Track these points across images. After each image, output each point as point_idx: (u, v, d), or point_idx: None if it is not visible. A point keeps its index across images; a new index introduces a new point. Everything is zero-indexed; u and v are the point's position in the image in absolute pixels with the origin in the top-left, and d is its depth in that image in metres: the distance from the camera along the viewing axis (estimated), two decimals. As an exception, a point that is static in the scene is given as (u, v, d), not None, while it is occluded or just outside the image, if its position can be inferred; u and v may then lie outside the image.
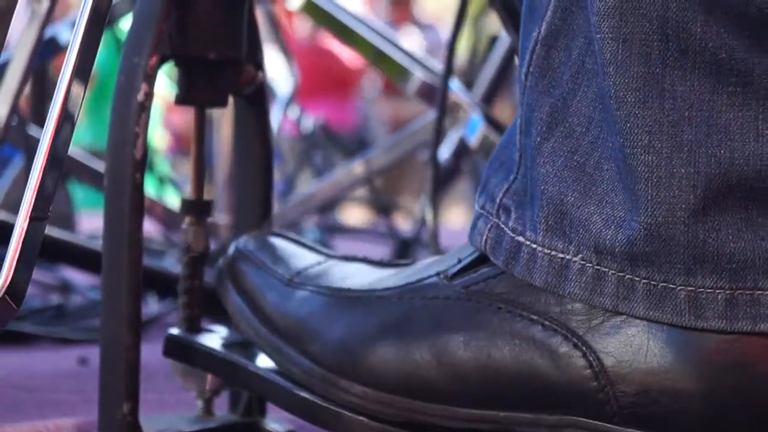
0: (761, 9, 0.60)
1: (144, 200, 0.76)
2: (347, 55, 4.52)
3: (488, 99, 1.31)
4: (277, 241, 0.76)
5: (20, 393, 1.06)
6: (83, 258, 1.24)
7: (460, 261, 0.68)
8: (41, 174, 0.58)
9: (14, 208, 1.41)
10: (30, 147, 1.37)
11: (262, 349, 0.73)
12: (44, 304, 1.49)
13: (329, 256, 0.75)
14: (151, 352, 0.79)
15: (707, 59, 0.61)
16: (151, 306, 1.37)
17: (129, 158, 0.75)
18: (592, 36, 0.63)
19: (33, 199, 0.57)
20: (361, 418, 0.67)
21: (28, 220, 0.57)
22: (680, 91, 0.62)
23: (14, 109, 1.12)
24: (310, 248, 0.76)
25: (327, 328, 0.69)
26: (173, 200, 1.84)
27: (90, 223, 1.88)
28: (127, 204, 0.75)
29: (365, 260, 0.74)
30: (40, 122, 1.49)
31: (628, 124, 0.63)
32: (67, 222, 1.68)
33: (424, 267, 0.70)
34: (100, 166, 1.51)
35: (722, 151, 0.62)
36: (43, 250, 0.68)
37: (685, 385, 0.62)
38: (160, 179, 1.76)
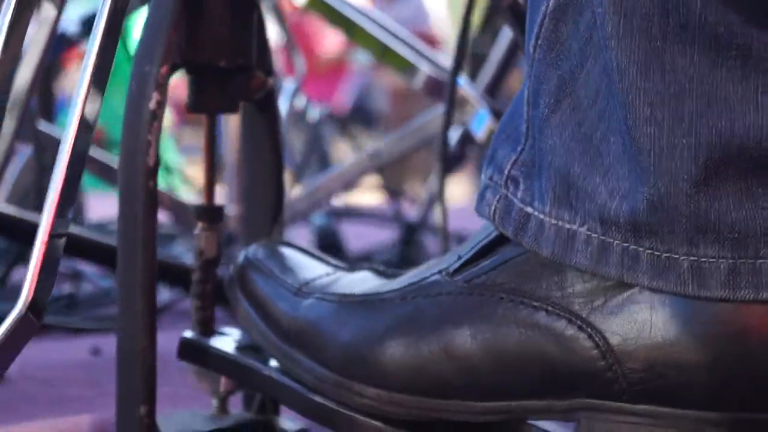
0: None
1: (157, 206, 0.78)
2: (329, 35, 4.52)
3: (492, 91, 1.33)
4: (286, 251, 0.78)
5: (34, 386, 1.08)
6: (94, 251, 1.26)
7: (460, 257, 0.69)
8: (59, 191, 0.60)
9: (20, 201, 1.43)
10: (39, 142, 1.38)
11: (273, 356, 0.75)
12: (56, 293, 1.50)
13: (337, 267, 0.76)
14: (164, 341, 0.80)
15: (707, 33, 0.62)
16: (163, 294, 1.38)
17: (142, 166, 0.77)
18: (598, 13, 0.64)
19: (53, 217, 0.59)
20: (375, 422, 0.68)
21: (48, 237, 0.59)
22: (681, 64, 0.63)
23: (26, 107, 1.14)
24: (319, 259, 0.77)
25: (336, 332, 0.70)
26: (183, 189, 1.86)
27: (97, 208, 1.89)
28: (140, 210, 0.76)
29: (371, 269, 0.75)
30: (48, 117, 1.51)
31: (630, 97, 0.63)
32: (76, 208, 1.69)
33: (426, 268, 0.71)
34: (104, 157, 1.53)
35: (723, 122, 0.62)
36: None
37: (690, 357, 0.62)
38: (167, 168, 1.77)
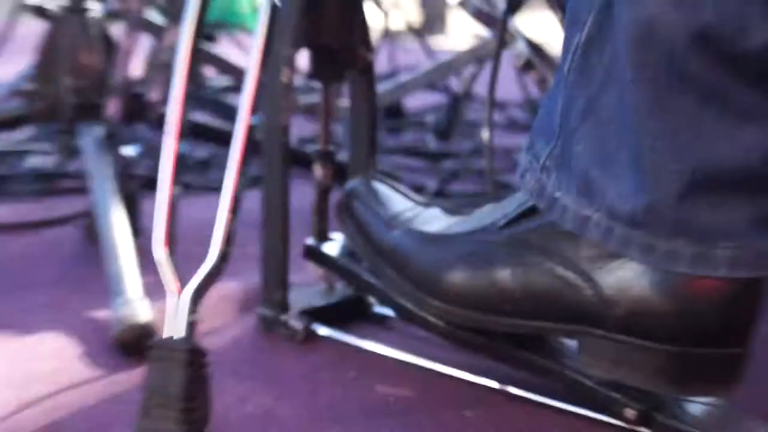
0: (737, 49, 0.79)
1: (289, 156, 1.08)
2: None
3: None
4: (379, 187, 1.08)
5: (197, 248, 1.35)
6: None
7: (505, 216, 0.96)
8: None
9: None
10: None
11: (368, 264, 1.06)
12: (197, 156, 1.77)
13: (416, 203, 1.06)
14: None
15: (699, 85, 0.80)
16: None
17: (279, 126, 1.07)
18: (619, 53, 0.83)
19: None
20: (440, 323, 0.99)
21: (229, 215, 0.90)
22: (678, 106, 0.81)
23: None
24: (402, 194, 1.07)
25: (416, 258, 0.99)
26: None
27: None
28: (278, 159, 1.08)
29: (441, 207, 1.04)
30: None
31: (640, 130, 0.83)
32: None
33: (484, 216, 0.98)
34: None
35: (703, 154, 0.81)
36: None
37: (659, 308, 0.87)
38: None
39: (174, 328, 0.85)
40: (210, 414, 0.85)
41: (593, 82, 0.87)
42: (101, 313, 1.14)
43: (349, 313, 1.14)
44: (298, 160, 1.25)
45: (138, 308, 1.06)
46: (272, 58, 1.06)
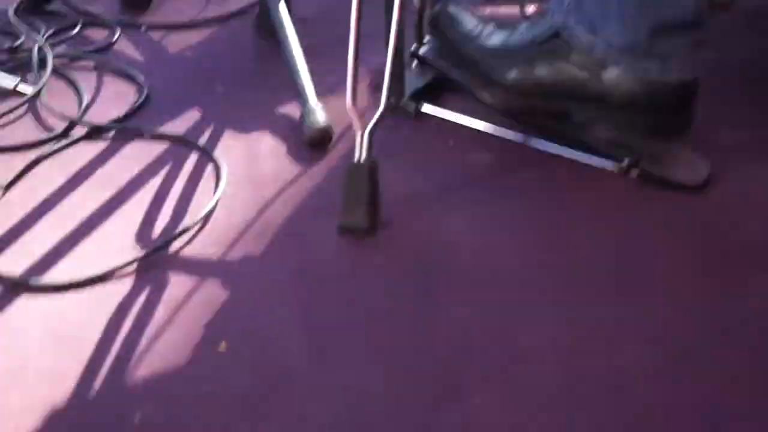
0: None
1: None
2: None
3: None
4: (453, 10, 1.59)
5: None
6: None
7: (541, 35, 1.49)
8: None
9: None
10: None
11: (452, 63, 1.58)
12: None
13: (479, 21, 1.57)
14: None
15: None
16: None
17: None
18: None
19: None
20: (502, 105, 1.54)
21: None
22: None
23: None
24: (469, 14, 1.59)
25: (483, 62, 1.53)
26: None
27: None
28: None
29: (495, 24, 1.56)
30: None
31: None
32: None
33: (524, 32, 1.52)
34: None
35: (659, 13, 1.39)
36: None
37: (640, 94, 1.44)
38: None
39: (361, 153, 1.39)
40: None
41: None
42: (288, 109, 1.64)
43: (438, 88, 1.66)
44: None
45: (319, 115, 1.57)
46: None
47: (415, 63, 1.67)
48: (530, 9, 1.87)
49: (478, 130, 1.58)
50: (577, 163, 1.50)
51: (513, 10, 1.89)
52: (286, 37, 1.71)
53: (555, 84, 1.48)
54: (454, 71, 1.58)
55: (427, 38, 1.65)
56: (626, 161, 1.46)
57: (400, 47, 1.59)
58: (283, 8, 1.75)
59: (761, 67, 1.72)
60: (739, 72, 1.70)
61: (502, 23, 1.57)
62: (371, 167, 1.38)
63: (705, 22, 1.40)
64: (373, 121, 1.39)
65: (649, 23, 1.39)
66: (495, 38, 1.55)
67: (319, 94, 1.62)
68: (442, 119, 1.61)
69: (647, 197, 1.44)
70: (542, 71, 1.48)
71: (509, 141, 1.55)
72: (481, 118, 1.58)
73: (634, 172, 1.46)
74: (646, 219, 1.40)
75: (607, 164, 1.48)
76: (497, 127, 1.57)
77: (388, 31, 1.46)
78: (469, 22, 1.58)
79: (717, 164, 1.46)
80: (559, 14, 1.47)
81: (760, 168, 1.47)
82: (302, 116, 1.60)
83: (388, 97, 1.40)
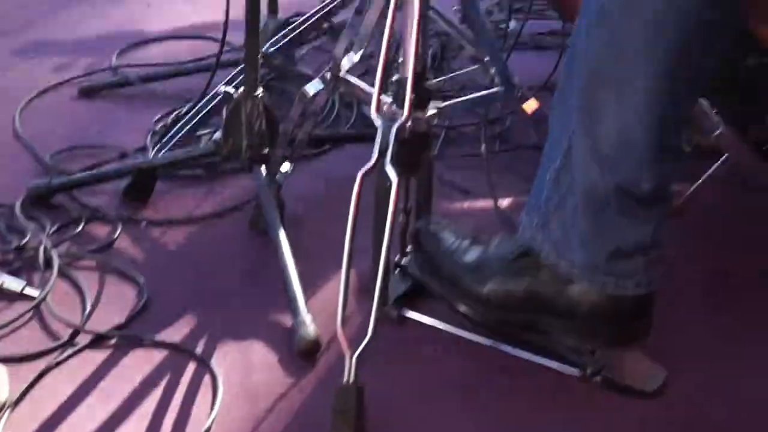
0: (636, 192, 1.52)
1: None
2: None
3: None
4: (435, 227, 1.73)
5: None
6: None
7: (512, 252, 1.62)
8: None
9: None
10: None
11: (433, 279, 1.70)
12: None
13: (456, 237, 1.70)
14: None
15: (616, 206, 1.52)
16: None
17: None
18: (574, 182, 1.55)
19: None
20: (473, 316, 1.67)
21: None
22: (605, 215, 1.53)
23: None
24: (449, 230, 1.71)
25: (461, 278, 1.66)
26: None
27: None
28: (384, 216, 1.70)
29: (474, 241, 1.69)
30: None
31: (584, 228, 1.55)
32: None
33: (499, 245, 1.65)
34: None
35: (616, 238, 1.54)
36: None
37: (603, 307, 1.57)
38: None
39: (349, 376, 1.49)
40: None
41: (562, 189, 1.55)
42: (280, 313, 1.76)
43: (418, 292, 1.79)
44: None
45: (309, 327, 1.70)
46: None
47: (398, 270, 1.78)
48: (504, 203, 2.01)
49: (459, 336, 1.70)
50: (546, 369, 1.64)
51: (488, 203, 2.03)
52: (277, 237, 1.84)
53: (526, 299, 1.62)
54: (433, 282, 1.70)
55: (409, 248, 1.77)
56: (589, 369, 1.61)
57: (388, 267, 1.71)
58: (276, 213, 1.89)
59: (716, 269, 1.88)
60: (699, 280, 1.86)
61: (478, 237, 1.70)
62: (359, 391, 1.49)
63: (663, 241, 1.55)
64: (362, 346, 1.50)
65: (608, 248, 1.53)
66: (471, 253, 1.68)
67: (309, 296, 1.76)
68: (423, 324, 1.74)
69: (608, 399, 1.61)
70: (514, 285, 1.62)
71: (486, 347, 1.68)
72: (458, 324, 1.70)
73: (596, 379, 1.61)
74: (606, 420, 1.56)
75: (573, 371, 1.62)
76: (474, 335, 1.69)
77: (375, 235, 1.62)
78: (447, 238, 1.70)
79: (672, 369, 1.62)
80: (529, 230, 1.61)
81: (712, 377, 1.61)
82: (293, 326, 1.72)
83: (375, 327, 1.51)
